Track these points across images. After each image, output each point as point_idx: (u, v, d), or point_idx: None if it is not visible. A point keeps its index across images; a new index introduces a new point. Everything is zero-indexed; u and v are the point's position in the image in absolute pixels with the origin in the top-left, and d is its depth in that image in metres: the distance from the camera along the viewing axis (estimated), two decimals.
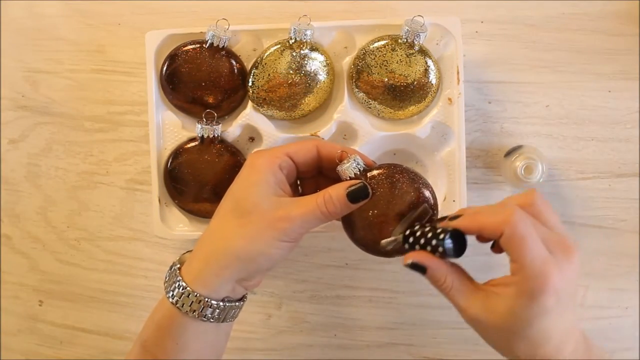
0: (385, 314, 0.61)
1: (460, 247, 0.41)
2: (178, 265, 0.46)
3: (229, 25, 0.53)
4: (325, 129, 0.54)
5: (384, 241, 0.45)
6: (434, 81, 0.53)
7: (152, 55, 0.54)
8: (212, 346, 0.46)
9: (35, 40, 0.61)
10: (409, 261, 0.41)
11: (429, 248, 0.41)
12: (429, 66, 0.53)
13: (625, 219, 0.59)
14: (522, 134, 0.58)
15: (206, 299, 0.43)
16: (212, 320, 0.44)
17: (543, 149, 0.58)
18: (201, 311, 0.44)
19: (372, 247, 0.46)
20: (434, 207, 0.46)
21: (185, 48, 0.54)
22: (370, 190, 0.45)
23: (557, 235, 0.40)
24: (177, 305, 0.44)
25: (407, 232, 0.44)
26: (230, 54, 0.54)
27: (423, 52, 0.53)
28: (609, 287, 0.60)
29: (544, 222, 0.41)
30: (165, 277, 0.46)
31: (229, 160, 0.55)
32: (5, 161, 0.63)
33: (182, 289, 0.44)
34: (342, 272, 0.61)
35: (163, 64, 0.54)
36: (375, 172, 0.46)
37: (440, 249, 0.41)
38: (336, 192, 0.44)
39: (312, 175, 0.49)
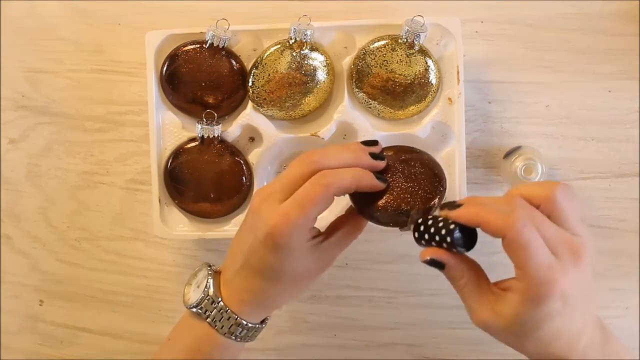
0: (385, 314, 0.61)
1: (470, 239, 0.40)
2: (220, 300, 0.45)
3: (229, 25, 0.53)
4: (325, 129, 0.54)
5: (402, 230, 0.45)
6: (434, 81, 0.53)
7: (152, 55, 0.54)
8: None
9: (35, 40, 0.61)
10: (427, 257, 0.41)
11: (437, 238, 0.40)
12: (429, 66, 0.53)
13: (625, 219, 0.59)
14: (522, 134, 0.58)
15: (257, 326, 0.46)
16: (246, 340, 0.47)
17: (543, 149, 0.58)
18: (239, 333, 0.45)
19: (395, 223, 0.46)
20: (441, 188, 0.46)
21: (185, 48, 0.54)
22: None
23: (566, 236, 0.38)
24: (227, 336, 0.45)
25: (420, 220, 0.43)
26: (230, 54, 0.54)
27: (423, 52, 0.53)
28: (609, 287, 0.59)
29: (558, 220, 0.39)
30: (200, 304, 0.45)
31: (229, 160, 0.55)
32: (5, 161, 0.63)
33: (238, 323, 0.45)
34: (342, 272, 0.61)
35: (163, 64, 0.54)
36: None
37: (449, 239, 0.39)
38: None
39: None
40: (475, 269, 0.41)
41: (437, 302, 0.61)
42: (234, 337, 0.45)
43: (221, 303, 0.44)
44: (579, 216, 0.40)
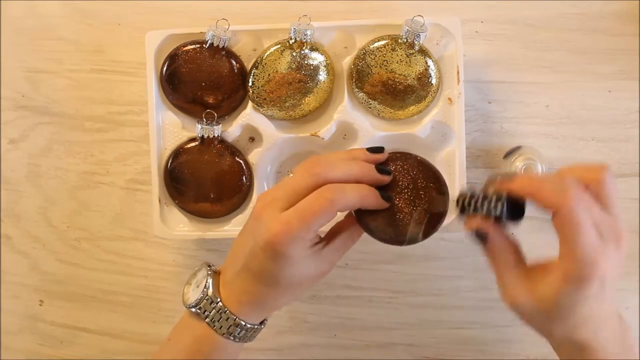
0: (385, 314, 0.61)
1: (517, 213, 0.40)
2: (219, 300, 0.45)
3: (229, 25, 0.53)
4: (325, 129, 0.54)
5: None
6: (434, 81, 0.53)
7: (152, 55, 0.54)
8: None
9: (35, 40, 0.61)
10: (474, 227, 0.40)
11: (484, 209, 0.40)
12: (429, 66, 0.53)
13: (625, 219, 0.59)
14: (522, 134, 0.58)
15: (255, 327, 0.46)
16: (244, 340, 0.46)
17: (543, 149, 0.58)
18: (237, 334, 0.45)
19: (395, 240, 0.45)
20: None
21: (185, 48, 0.54)
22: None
23: (611, 220, 0.39)
24: (225, 336, 0.45)
25: (464, 189, 0.42)
26: (230, 54, 0.54)
27: (423, 52, 0.53)
28: None
29: (604, 204, 0.39)
30: (199, 304, 0.45)
31: (229, 160, 0.55)
32: (5, 161, 0.63)
33: (236, 324, 0.45)
34: (342, 272, 0.61)
35: (163, 64, 0.54)
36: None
37: (498, 210, 0.39)
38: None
39: None
40: (514, 246, 0.41)
41: (437, 302, 0.61)
42: (232, 338, 0.45)
43: (220, 303, 0.44)
44: (617, 201, 0.40)
